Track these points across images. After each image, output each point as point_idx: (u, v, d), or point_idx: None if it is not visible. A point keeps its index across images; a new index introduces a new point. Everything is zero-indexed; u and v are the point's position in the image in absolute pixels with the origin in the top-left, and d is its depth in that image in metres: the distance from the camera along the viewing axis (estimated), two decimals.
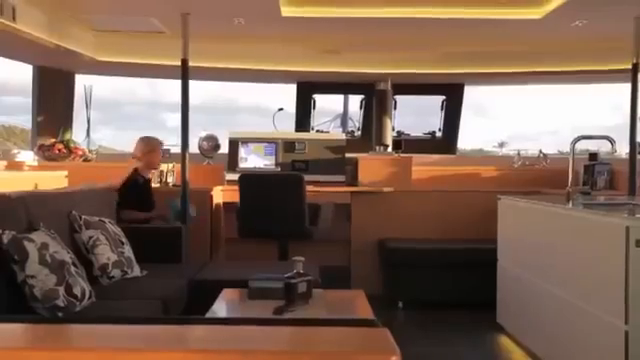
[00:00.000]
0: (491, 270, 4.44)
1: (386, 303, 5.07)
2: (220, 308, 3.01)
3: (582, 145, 5.67)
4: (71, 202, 3.75)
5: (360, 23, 4.90)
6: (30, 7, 4.41)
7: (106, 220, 3.87)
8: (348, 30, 5.24)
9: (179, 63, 4.58)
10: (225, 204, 5.45)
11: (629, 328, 2.64)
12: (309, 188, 5.34)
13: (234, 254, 5.42)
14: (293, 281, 3.03)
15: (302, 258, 3.12)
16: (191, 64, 4.96)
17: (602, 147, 6.04)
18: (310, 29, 5.20)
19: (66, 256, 2.93)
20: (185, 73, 4.61)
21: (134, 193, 4.58)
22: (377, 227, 5.40)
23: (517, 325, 4.12)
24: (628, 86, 4.60)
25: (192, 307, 3.59)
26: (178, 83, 4.61)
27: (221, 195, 5.47)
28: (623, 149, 5.46)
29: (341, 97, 7.85)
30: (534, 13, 4.59)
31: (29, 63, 5.76)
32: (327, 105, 7.88)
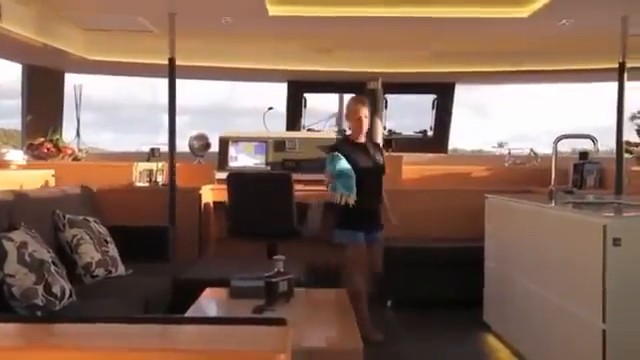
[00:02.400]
0: (479, 269, 4.44)
1: (376, 301, 5.07)
2: (199, 307, 3.01)
3: (580, 144, 5.71)
4: (55, 201, 3.76)
5: (349, 22, 4.90)
6: (17, 6, 4.41)
7: (91, 219, 3.88)
8: (338, 29, 5.24)
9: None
10: (215, 203, 5.44)
11: (607, 327, 2.64)
12: (300, 187, 5.34)
13: (224, 253, 5.41)
14: (273, 280, 3.05)
15: (283, 257, 3.13)
16: (180, 63, 4.96)
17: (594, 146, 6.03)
18: (299, 28, 5.20)
19: (46, 255, 2.94)
20: (172, 72, 4.61)
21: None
22: None
23: (502, 324, 4.13)
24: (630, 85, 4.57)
25: (176, 306, 3.59)
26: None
27: (211, 194, 5.47)
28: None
29: (336, 96, 7.84)
30: (520, 12, 4.59)
31: (17, 62, 5.76)
32: (322, 104, 7.89)
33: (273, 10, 4.56)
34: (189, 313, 2.92)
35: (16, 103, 6.04)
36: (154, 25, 4.94)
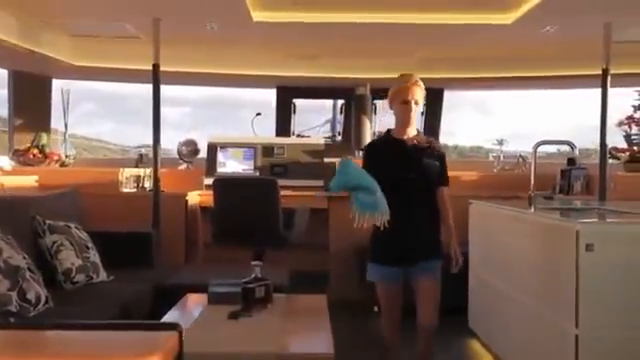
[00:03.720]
0: (466, 275, 4.43)
1: (362, 307, 5.07)
2: (176, 313, 3.01)
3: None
4: (36, 207, 3.75)
5: (335, 28, 4.92)
6: (2, 12, 4.42)
7: (72, 225, 3.87)
8: (324, 35, 5.25)
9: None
10: (203, 209, 5.45)
11: (579, 332, 2.64)
12: (287, 193, 5.34)
13: (211, 259, 5.41)
14: (250, 286, 3.04)
15: (260, 263, 3.13)
16: (167, 69, 4.97)
17: (582, 151, 6.06)
18: (285, 34, 5.21)
19: (21, 261, 2.93)
20: (156, 78, 4.62)
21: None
22: (355, 232, 5.36)
23: (486, 330, 4.12)
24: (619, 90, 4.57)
25: (157, 312, 3.59)
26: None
27: (199, 200, 5.47)
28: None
29: (330, 102, 7.87)
30: (504, 19, 4.60)
31: (4, 68, 5.77)
32: (316, 110, 7.91)
33: (257, 16, 4.58)
34: (165, 319, 2.92)
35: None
36: (140, 31, 4.95)
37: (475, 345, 4.22)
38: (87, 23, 4.95)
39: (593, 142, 5.86)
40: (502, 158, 6.86)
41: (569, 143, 3.29)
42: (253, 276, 3.07)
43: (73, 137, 7.87)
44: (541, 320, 3.02)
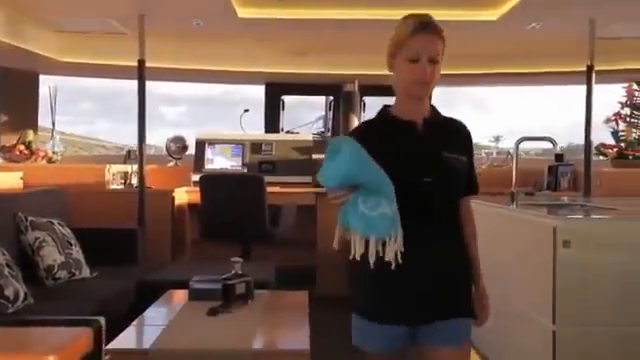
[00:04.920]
0: None
1: (349, 304, 5.07)
2: (156, 310, 3.01)
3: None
4: (18, 203, 3.74)
5: (321, 24, 4.90)
6: None
7: (55, 221, 3.86)
8: (311, 32, 5.24)
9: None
10: (191, 205, 5.44)
11: (556, 328, 2.65)
12: (275, 189, 5.34)
13: (199, 255, 5.41)
14: (230, 282, 3.04)
15: (240, 259, 3.12)
16: (154, 65, 4.96)
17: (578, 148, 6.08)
18: (271, 30, 5.20)
19: (0, 258, 2.92)
20: (142, 74, 4.61)
21: None
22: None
23: (473, 329, 4.12)
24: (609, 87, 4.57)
25: (139, 308, 3.58)
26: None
27: (186, 196, 5.47)
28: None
29: (323, 98, 7.84)
30: (489, 15, 4.61)
31: None
32: (309, 106, 7.90)
33: (242, 12, 4.56)
34: (144, 316, 2.92)
35: None
36: (126, 27, 4.93)
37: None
38: (73, 19, 4.92)
39: (595, 138, 5.89)
40: (495, 154, 6.88)
41: (550, 139, 3.29)
42: (233, 272, 3.07)
43: (70, 136, 7.87)
44: (522, 317, 3.03)
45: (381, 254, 1.68)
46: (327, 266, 5.39)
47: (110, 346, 2.34)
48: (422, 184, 1.82)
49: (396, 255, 1.68)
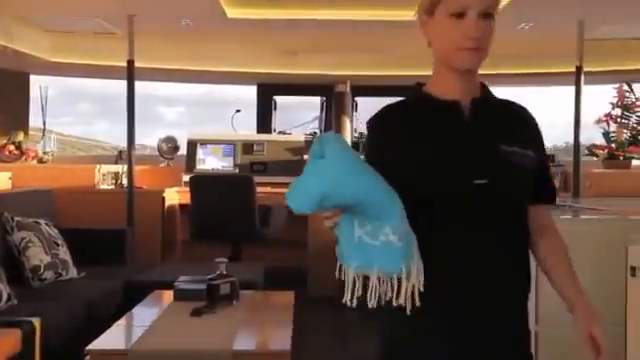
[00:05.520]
0: None
1: (339, 304, 5.07)
2: (140, 310, 3.01)
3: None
4: (5, 204, 3.74)
5: (312, 25, 4.90)
6: None
7: (42, 222, 3.86)
8: (302, 32, 5.24)
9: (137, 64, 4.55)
10: (182, 206, 5.44)
11: (538, 329, 2.65)
12: (267, 190, 5.34)
13: (189, 256, 5.41)
14: (214, 282, 3.04)
15: (225, 260, 3.12)
16: (145, 65, 4.96)
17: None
18: (263, 31, 5.20)
19: None
20: (131, 74, 4.61)
21: None
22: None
23: None
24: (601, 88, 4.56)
25: (127, 309, 3.58)
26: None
27: (177, 197, 5.46)
28: None
29: (318, 99, 7.85)
30: None
31: None
32: (306, 106, 7.91)
33: (232, 12, 4.56)
34: (131, 315, 2.92)
35: None
36: (115, 27, 4.93)
37: None
38: (63, 19, 4.91)
39: (587, 139, 5.92)
40: None
41: None
42: (217, 273, 3.07)
43: (69, 136, 7.86)
44: None
45: (392, 295, 1.15)
46: (318, 267, 5.38)
47: (91, 346, 2.35)
48: (472, 188, 1.28)
49: (413, 296, 1.15)
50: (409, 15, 4.69)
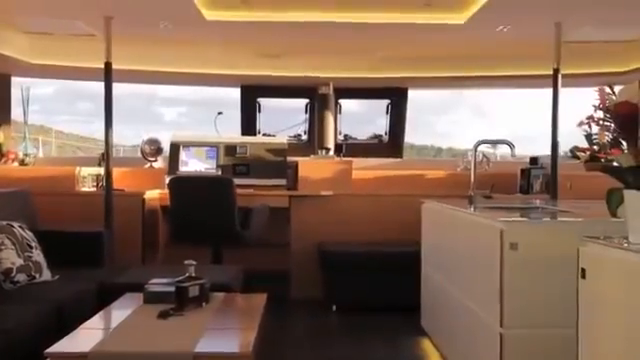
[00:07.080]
0: (418, 273, 4.46)
1: (322, 307, 5.09)
2: (108, 312, 3.00)
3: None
4: None
5: (293, 27, 4.90)
6: None
7: (15, 224, 3.84)
8: (281, 34, 5.24)
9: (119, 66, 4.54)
10: (164, 208, 5.42)
11: (504, 331, 2.66)
12: (249, 192, 5.34)
13: (171, 259, 5.39)
14: (183, 285, 3.04)
15: (194, 262, 3.12)
16: (125, 67, 4.95)
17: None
18: (244, 33, 5.19)
19: None
20: (108, 76, 4.59)
21: None
22: (316, 231, 5.37)
23: (434, 328, 4.14)
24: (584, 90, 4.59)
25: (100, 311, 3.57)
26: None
27: (159, 199, 5.45)
28: None
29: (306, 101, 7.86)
30: (457, 18, 4.62)
31: None
32: (294, 108, 7.91)
33: (210, 15, 4.56)
34: (96, 318, 2.91)
35: None
36: (95, 29, 4.92)
37: (426, 344, 4.23)
38: (42, 20, 4.90)
39: (572, 142, 5.90)
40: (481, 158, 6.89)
41: (507, 142, 3.31)
42: (187, 275, 3.07)
43: (69, 135, 7.83)
44: (474, 319, 3.03)
45: None
46: (301, 269, 5.39)
47: (51, 349, 2.34)
48: None
49: None
50: (385, 17, 4.72)
